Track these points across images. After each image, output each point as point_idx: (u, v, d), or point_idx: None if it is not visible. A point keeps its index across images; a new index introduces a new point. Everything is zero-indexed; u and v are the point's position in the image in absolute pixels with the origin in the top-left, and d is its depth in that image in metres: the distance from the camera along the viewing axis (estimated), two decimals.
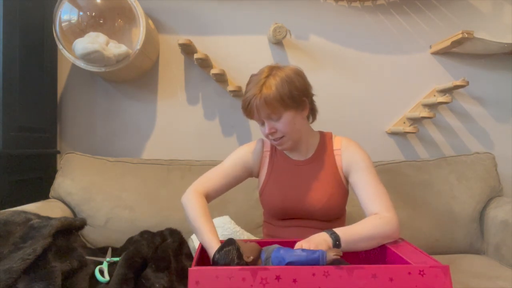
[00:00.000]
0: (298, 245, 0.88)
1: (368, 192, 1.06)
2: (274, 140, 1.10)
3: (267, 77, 1.05)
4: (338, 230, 0.94)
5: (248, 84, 1.09)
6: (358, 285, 0.76)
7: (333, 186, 1.12)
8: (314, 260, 0.79)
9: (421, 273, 0.76)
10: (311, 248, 0.85)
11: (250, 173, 1.20)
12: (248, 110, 1.07)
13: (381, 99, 1.90)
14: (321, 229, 1.13)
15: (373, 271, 0.77)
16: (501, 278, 1.28)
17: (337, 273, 0.76)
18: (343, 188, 1.14)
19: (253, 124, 1.86)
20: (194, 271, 0.76)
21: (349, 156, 1.13)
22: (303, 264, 0.79)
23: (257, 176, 1.21)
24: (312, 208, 1.11)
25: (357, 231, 0.97)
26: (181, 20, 1.87)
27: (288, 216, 1.15)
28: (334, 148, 1.16)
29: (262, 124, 1.09)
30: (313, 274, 0.76)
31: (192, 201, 1.07)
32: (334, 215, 1.14)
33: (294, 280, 0.75)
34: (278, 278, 0.76)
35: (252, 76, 1.10)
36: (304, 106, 1.11)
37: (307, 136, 1.17)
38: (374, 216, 1.01)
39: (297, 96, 1.05)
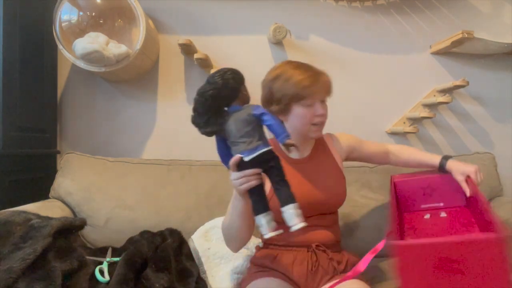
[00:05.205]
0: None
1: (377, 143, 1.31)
2: (316, 123, 1.12)
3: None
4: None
5: (296, 70, 1.12)
6: None
7: (334, 177, 1.19)
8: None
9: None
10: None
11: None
12: (318, 86, 1.09)
13: (381, 99, 1.90)
14: (322, 226, 1.15)
15: None
16: None
17: None
18: (342, 176, 1.22)
19: None
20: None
21: (343, 143, 1.26)
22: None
23: None
24: (317, 202, 1.13)
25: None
26: (181, 20, 1.87)
27: None
28: (327, 143, 1.25)
29: (311, 105, 1.10)
30: None
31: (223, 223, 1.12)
32: (338, 204, 1.21)
33: None
34: None
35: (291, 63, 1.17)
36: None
37: None
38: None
39: None
